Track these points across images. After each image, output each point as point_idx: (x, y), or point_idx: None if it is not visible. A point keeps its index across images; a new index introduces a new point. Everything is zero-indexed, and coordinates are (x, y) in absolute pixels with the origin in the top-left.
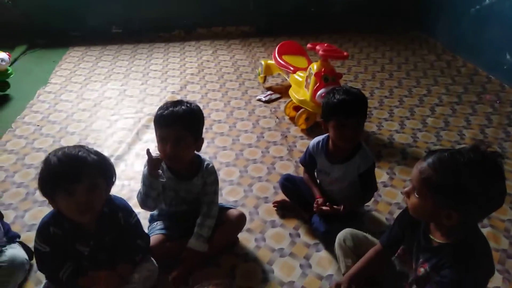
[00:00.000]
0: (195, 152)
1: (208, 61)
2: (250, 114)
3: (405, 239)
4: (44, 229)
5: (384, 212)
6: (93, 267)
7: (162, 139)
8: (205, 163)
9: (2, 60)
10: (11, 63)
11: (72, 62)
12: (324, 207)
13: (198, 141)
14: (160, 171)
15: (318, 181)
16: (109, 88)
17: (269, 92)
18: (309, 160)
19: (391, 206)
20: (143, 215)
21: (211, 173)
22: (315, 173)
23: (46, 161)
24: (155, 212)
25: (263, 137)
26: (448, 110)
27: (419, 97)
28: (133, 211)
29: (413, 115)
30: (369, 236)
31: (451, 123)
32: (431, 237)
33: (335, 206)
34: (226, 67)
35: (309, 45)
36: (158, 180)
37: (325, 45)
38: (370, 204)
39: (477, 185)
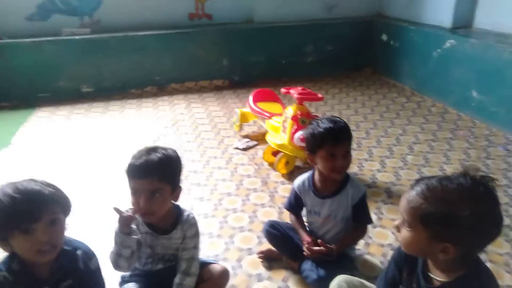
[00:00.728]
0: (173, 202)
1: (182, 114)
2: (227, 162)
3: (402, 280)
4: None
5: (377, 254)
6: None
7: (135, 192)
8: (185, 213)
9: None
10: None
11: (38, 123)
12: (316, 248)
13: (175, 191)
14: (134, 225)
15: (308, 226)
16: (78, 147)
17: (246, 140)
18: (295, 202)
19: (384, 247)
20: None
21: (192, 225)
22: (304, 218)
23: None
24: (126, 273)
25: (243, 185)
26: (426, 147)
27: (396, 136)
28: (95, 255)
29: (392, 154)
30: (366, 283)
31: (430, 159)
32: (431, 275)
33: (327, 245)
34: (201, 118)
35: (283, 90)
36: (131, 237)
37: (300, 88)
38: (361, 247)
39: (470, 212)
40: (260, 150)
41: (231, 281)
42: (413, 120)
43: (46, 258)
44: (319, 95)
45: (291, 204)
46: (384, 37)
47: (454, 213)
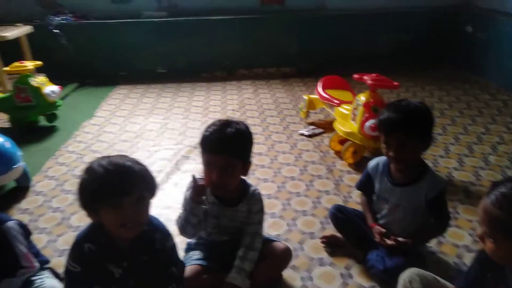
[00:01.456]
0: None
1: (249, 98)
2: (292, 147)
3: (488, 282)
4: (78, 247)
5: (450, 255)
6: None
7: (207, 165)
8: (252, 188)
9: (53, 92)
10: (62, 98)
11: (118, 98)
12: (389, 241)
13: (246, 166)
14: (204, 196)
15: (375, 211)
16: (151, 122)
17: (311, 127)
18: (367, 183)
19: (458, 248)
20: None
21: (258, 200)
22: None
23: (90, 171)
24: (192, 240)
25: (307, 170)
26: None
27: (477, 135)
28: (171, 235)
29: (472, 152)
30: (440, 279)
31: None
32: None
33: (400, 239)
34: (267, 104)
35: (355, 75)
36: (201, 206)
37: (374, 75)
38: (433, 245)
39: None
40: (326, 138)
41: (292, 261)
42: (498, 119)
43: (129, 234)
44: (395, 83)
45: (362, 184)
46: (469, 28)
47: None
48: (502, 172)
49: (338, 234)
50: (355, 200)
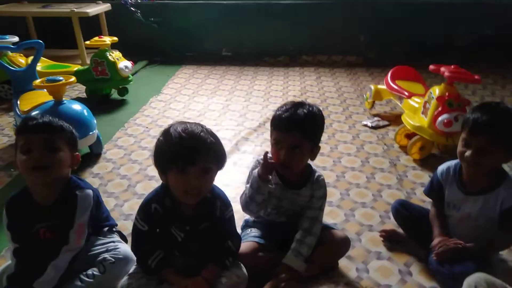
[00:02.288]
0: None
1: (311, 85)
2: (354, 138)
3: None
4: (147, 206)
5: None
6: (183, 259)
7: (276, 143)
8: (316, 174)
9: (126, 67)
10: (132, 74)
11: (183, 78)
12: (450, 243)
13: (314, 149)
14: (270, 176)
15: None
16: (213, 102)
17: (376, 118)
18: (436, 189)
19: None
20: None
21: (321, 186)
22: None
23: (166, 134)
24: (250, 218)
25: (369, 162)
26: None
27: None
28: (231, 205)
29: None
30: (510, 287)
31: None
32: None
33: (461, 243)
34: (330, 92)
35: (432, 67)
36: (267, 185)
37: (452, 67)
38: (504, 253)
39: None
40: (391, 131)
41: (348, 251)
42: None
43: (191, 200)
44: (476, 76)
45: (431, 190)
46: None
47: None
48: None
49: (399, 230)
50: (419, 198)
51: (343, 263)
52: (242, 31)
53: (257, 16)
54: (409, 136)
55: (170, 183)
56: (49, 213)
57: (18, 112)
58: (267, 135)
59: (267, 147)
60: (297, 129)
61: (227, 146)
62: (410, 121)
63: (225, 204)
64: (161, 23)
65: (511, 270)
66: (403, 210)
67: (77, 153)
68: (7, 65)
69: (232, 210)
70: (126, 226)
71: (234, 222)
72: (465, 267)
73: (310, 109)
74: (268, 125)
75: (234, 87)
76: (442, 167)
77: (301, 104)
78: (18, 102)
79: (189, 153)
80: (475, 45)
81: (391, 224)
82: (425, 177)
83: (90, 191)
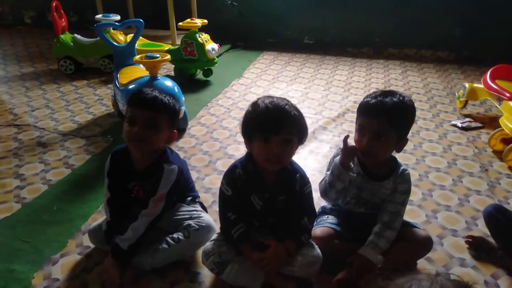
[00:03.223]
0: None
1: (396, 79)
2: (441, 137)
3: None
4: (232, 171)
5: None
6: (260, 232)
7: (361, 129)
8: (401, 167)
9: (213, 49)
10: (217, 57)
11: (264, 63)
12: None
13: (401, 141)
14: (351, 164)
15: None
16: (293, 89)
17: (467, 119)
18: None
19: None
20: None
21: (406, 180)
22: None
23: (254, 105)
24: (328, 205)
25: (456, 164)
26: None
27: None
28: (310, 182)
29: None
30: None
31: None
32: None
33: None
34: (416, 87)
35: None
36: (348, 173)
37: None
38: None
39: None
40: (484, 134)
41: (429, 253)
42: None
43: (272, 167)
44: None
45: None
46: None
47: None
48: None
49: (489, 239)
50: (511, 207)
51: (422, 264)
52: (326, 19)
53: (342, 5)
54: (505, 141)
55: (254, 150)
56: (142, 176)
57: (117, 84)
58: (346, 125)
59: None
60: (383, 116)
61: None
62: (510, 125)
63: (304, 179)
64: (244, 9)
65: None
66: (499, 216)
67: (175, 130)
68: (111, 41)
69: (310, 186)
70: (206, 198)
71: (312, 199)
72: None
73: (401, 98)
74: (347, 116)
75: (314, 75)
76: None
77: (392, 92)
78: (118, 76)
79: (273, 123)
80: None
81: (479, 231)
82: None
83: (175, 167)
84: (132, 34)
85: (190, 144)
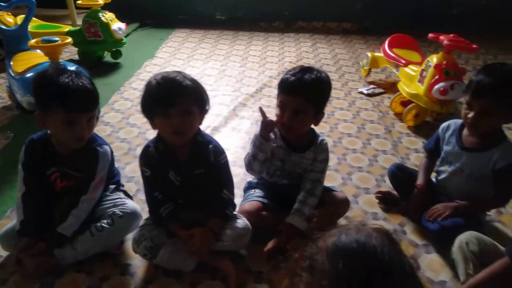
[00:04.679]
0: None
1: (307, 52)
2: (350, 105)
3: None
4: (145, 151)
5: (510, 224)
6: (187, 214)
7: (281, 106)
8: (320, 138)
9: (120, 29)
10: (125, 36)
11: (177, 41)
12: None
13: (318, 115)
14: (272, 135)
15: (435, 176)
16: (209, 67)
17: (372, 86)
18: (434, 145)
19: None
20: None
21: (324, 150)
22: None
23: (147, 84)
24: (253, 180)
25: (364, 129)
26: None
27: None
28: (224, 152)
29: None
30: (499, 245)
31: None
32: None
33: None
34: (325, 59)
35: (431, 35)
36: (269, 143)
37: (451, 35)
38: (492, 213)
39: None
40: (386, 99)
41: (346, 213)
42: None
43: (179, 140)
44: (473, 45)
45: (429, 145)
46: None
47: None
48: None
49: (394, 192)
50: (412, 163)
51: (341, 223)
52: None
53: None
54: (404, 103)
55: (158, 128)
56: (66, 161)
57: (11, 73)
58: (264, 101)
59: (266, 113)
60: (302, 93)
61: (225, 111)
62: (406, 88)
63: (218, 149)
64: None
65: (498, 230)
66: (399, 173)
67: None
68: None
69: (226, 156)
70: (130, 187)
71: (229, 169)
72: (454, 221)
73: (318, 74)
74: (265, 91)
75: (229, 52)
76: (445, 124)
77: (309, 69)
78: (11, 63)
79: (167, 96)
80: (469, 14)
81: (387, 187)
82: (419, 143)
83: (108, 148)
84: (23, 16)
85: (105, 133)
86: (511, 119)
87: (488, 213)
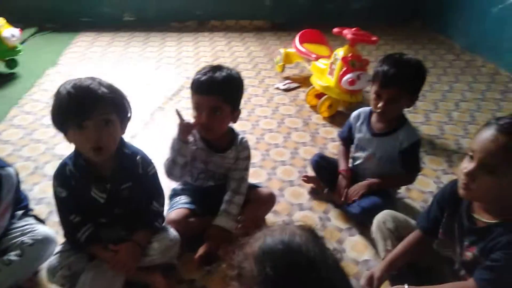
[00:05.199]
0: (230, 124)
1: (222, 51)
2: (268, 101)
3: (444, 220)
4: (62, 170)
5: (417, 199)
6: (111, 231)
7: (197, 107)
8: (240, 136)
9: (13, 35)
10: (21, 43)
11: (82, 46)
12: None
13: (235, 112)
14: (191, 137)
15: (352, 162)
16: (120, 72)
17: (287, 81)
18: (347, 133)
19: (424, 194)
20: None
21: (245, 147)
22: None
23: (57, 94)
24: (178, 186)
25: (284, 123)
26: (473, 106)
27: (442, 92)
28: (152, 163)
29: (437, 108)
30: (410, 220)
31: (477, 118)
32: (475, 216)
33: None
34: (241, 57)
35: (336, 30)
36: (188, 145)
37: (354, 29)
38: (402, 191)
39: None
40: (301, 93)
41: (274, 207)
42: (461, 79)
43: (99, 157)
44: (373, 38)
45: (343, 133)
46: None
47: None
48: (464, 127)
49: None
50: (330, 151)
51: (270, 218)
52: None
53: None
54: (318, 96)
55: (73, 142)
56: None
57: None
58: (183, 103)
59: (185, 115)
60: (216, 92)
61: (142, 116)
62: (319, 81)
63: (146, 160)
64: None
65: (407, 205)
66: (322, 162)
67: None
68: None
69: (154, 167)
70: (41, 210)
71: (159, 180)
72: (372, 200)
73: (229, 72)
74: (183, 93)
75: (142, 54)
76: (355, 112)
77: (219, 68)
78: None
79: (80, 107)
80: (369, 7)
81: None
82: (335, 133)
83: (11, 169)
84: None
85: (6, 152)
86: (412, 104)
87: (398, 190)
